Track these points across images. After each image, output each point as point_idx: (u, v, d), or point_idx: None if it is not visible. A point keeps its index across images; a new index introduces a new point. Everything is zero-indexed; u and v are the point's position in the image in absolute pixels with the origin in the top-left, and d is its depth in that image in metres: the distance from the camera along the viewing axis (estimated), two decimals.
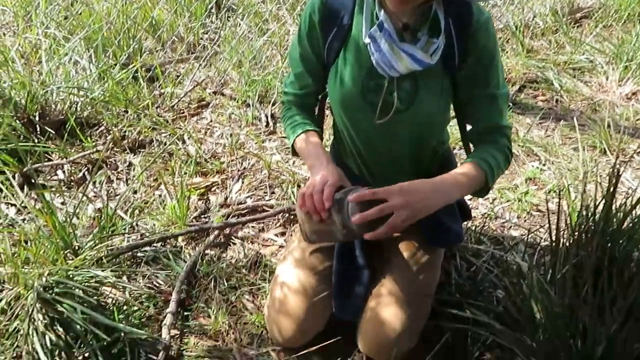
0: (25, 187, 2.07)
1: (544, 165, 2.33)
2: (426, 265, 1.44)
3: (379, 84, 1.25)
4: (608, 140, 2.40)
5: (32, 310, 1.36)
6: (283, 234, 1.92)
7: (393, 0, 1.14)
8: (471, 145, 1.39)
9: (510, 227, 1.97)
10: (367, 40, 1.19)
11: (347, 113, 1.32)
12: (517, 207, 2.05)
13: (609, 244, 1.40)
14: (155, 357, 1.42)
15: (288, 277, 1.45)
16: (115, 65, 2.68)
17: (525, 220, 2.01)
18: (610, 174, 1.48)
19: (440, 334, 1.46)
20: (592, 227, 1.49)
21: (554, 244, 1.48)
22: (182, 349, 1.49)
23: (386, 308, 1.37)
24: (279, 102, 2.68)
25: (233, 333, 1.53)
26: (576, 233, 1.50)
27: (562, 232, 1.49)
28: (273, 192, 2.11)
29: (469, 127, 1.36)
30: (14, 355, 1.37)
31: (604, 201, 1.45)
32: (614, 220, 1.44)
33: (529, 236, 1.81)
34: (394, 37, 1.17)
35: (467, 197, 2.10)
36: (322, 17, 1.27)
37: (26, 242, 1.72)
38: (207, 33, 3.40)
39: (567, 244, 1.49)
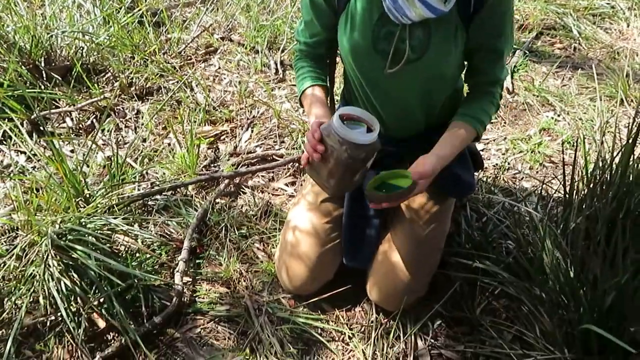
0: (34, 134, 2.06)
1: (558, 115, 2.28)
2: (437, 216, 1.43)
3: (390, 31, 1.19)
4: (627, 90, 2.33)
5: (47, 257, 1.38)
6: (293, 183, 1.91)
7: None
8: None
9: (523, 178, 1.95)
10: None
11: (358, 62, 1.27)
12: (530, 158, 2.02)
13: (625, 197, 1.38)
14: (168, 303, 1.45)
15: (301, 220, 1.45)
16: (120, 9, 2.61)
17: (537, 172, 1.98)
18: (629, 124, 1.44)
19: (450, 283, 1.47)
20: (608, 179, 1.47)
21: (567, 195, 1.46)
22: (194, 295, 1.52)
23: (396, 258, 1.37)
24: (288, 48, 2.61)
25: (244, 280, 1.55)
26: (591, 184, 1.48)
27: (576, 184, 1.47)
28: (283, 141, 2.09)
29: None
30: (31, 299, 1.40)
31: (621, 152, 1.42)
32: (631, 172, 1.41)
33: (542, 187, 1.79)
34: None
35: (479, 146, 2.08)
36: None
37: (37, 190, 1.73)
38: None
39: (581, 196, 1.48)
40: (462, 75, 1.38)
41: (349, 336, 1.41)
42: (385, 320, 1.44)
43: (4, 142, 2.01)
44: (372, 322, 1.43)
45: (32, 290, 1.39)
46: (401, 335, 1.39)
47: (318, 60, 1.43)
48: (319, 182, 1.25)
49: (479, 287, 1.46)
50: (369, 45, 1.21)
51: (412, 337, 1.38)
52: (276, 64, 2.52)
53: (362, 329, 1.42)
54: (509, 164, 2.00)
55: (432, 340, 1.39)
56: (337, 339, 1.41)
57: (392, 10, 1.14)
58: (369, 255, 1.43)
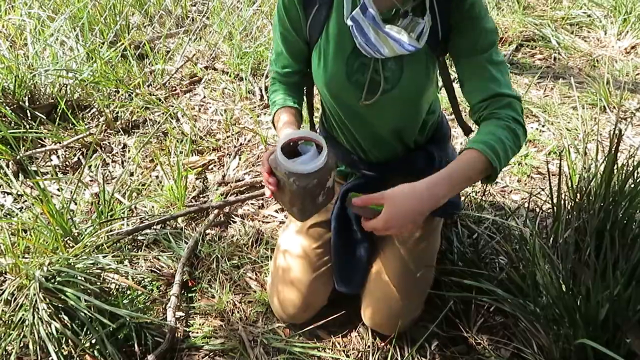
0: (20, 174, 2.05)
1: (543, 126, 2.30)
2: (425, 234, 1.43)
3: (363, 63, 1.19)
4: (608, 97, 2.36)
5: (36, 300, 1.37)
6: (282, 209, 1.91)
7: None
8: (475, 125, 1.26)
9: (511, 191, 1.96)
10: (349, 22, 1.13)
11: (333, 94, 1.28)
12: (518, 171, 2.03)
13: (611, 206, 1.39)
14: (161, 340, 1.43)
15: (291, 245, 1.45)
16: (103, 44, 2.62)
17: (525, 184, 1.99)
18: (611, 132, 1.46)
19: (444, 302, 1.47)
20: (594, 189, 1.48)
21: (555, 208, 1.47)
22: (188, 329, 1.50)
23: (388, 281, 1.37)
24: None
25: (238, 312, 1.54)
26: (577, 195, 1.49)
27: (563, 195, 1.48)
28: None
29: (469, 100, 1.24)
30: (21, 345, 1.38)
31: (605, 161, 1.44)
32: (616, 181, 1.42)
33: (530, 200, 1.80)
34: (378, 21, 1.10)
35: None
36: None
37: (25, 232, 1.71)
38: (195, 5, 3.32)
39: (569, 207, 1.49)
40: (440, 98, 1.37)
41: None
42: (382, 344, 1.42)
43: None
44: (368, 347, 1.41)
45: (22, 335, 1.37)
46: (398, 358, 1.38)
47: (292, 85, 1.42)
48: (285, 209, 1.23)
49: (473, 305, 1.45)
50: (343, 78, 1.22)
51: (410, 359, 1.37)
52: (261, 90, 2.54)
53: (359, 355, 1.41)
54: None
55: None
56: None
57: (365, 46, 1.14)
58: (360, 279, 1.42)
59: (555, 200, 1.45)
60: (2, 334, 1.39)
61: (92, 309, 1.37)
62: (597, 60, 2.74)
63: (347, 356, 1.41)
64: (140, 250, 1.72)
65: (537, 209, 1.79)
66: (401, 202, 1.06)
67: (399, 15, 1.13)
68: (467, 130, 1.43)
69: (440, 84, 1.36)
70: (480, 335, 1.41)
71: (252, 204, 1.93)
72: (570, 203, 1.50)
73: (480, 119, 1.18)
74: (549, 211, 1.78)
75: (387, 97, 1.22)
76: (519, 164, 2.06)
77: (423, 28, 1.11)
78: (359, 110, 1.26)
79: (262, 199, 1.94)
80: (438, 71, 1.27)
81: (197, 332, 1.48)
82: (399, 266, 1.38)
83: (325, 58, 1.22)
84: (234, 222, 1.85)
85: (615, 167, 1.41)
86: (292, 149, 1.15)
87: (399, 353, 1.39)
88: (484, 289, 1.38)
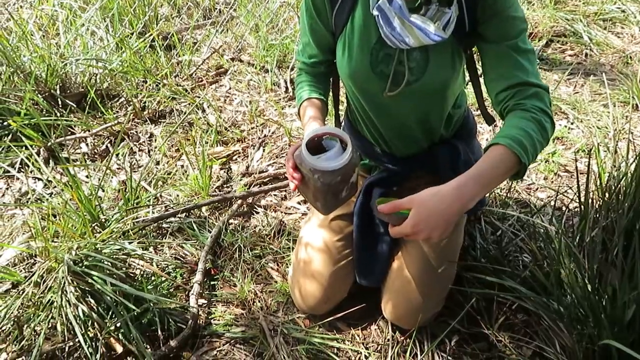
0: (51, 161, 2.10)
1: (572, 123, 2.25)
2: None
3: (388, 53, 1.19)
4: None
5: (64, 283, 1.40)
6: (305, 201, 1.91)
7: None
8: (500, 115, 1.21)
9: (537, 189, 1.93)
10: (375, 12, 1.13)
11: (357, 85, 1.28)
12: (544, 168, 2.00)
13: None
14: (184, 326, 1.46)
15: (313, 238, 1.45)
16: (132, 34, 2.66)
17: (552, 182, 1.96)
18: None
19: (466, 299, 1.46)
20: (624, 188, 1.44)
21: (582, 206, 1.44)
22: (209, 317, 1.52)
23: (409, 275, 1.36)
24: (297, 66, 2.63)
25: (259, 301, 1.56)
26: (606, 194, 1.46)
27: (591, 194, 1.45)
28: None
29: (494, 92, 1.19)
30: (49, 326, 1.42)
31: (636, 160, 1.40)
32: None
33: (557, 198, 1.77)
34: (404, 10, 1.10)
35: None
36: None
37: (55, 217, 1.76)
38: None
39: (597, 206, 1.46)
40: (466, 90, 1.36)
41: (365, 355, 1.40)
42: (402, 338, 1.42)
43: (22, 170, 2.06)
44: (388, 340, 1.41)
45: (50, 316, 1.41)
46: (418, 353, 1.38)
47: (318, 76, 1.43)
48: (309, 202, 1.26)
49: (495, 302, 1.44)
50: (368, 69, 1.21)
51: (430, 355, 1.37)
52: (286, 83, 2.54)
53: (379, 348, 1.41)
54: None
55: (450, 358, 1.37)
56: (353, 358, 1.40)
57: (390, 36, 1.13)
58: (381, 273, 1.42)
59: (582, 199, 1.42)
60: (32, 315, 1.43)
61: (117, 293, 1.40)
62: (630, 57, 2.67)
63: (367, 349, 1.41)
64: (165, 238, 1.75)
65: (564, 208, 1.75)
66: (429, 205, 1.02)
67: (425, 4, 1.11)
68: (490, 120, 1.41)
69: (467, 78, 1.34)
70: (501, 333, 1.39)
71: (275, 195, 1.95)
72: (598, 202, 1.47)
73: (505, 111, 1.13)
74: (576, 210, 1.75)
75: (412, 89, 1.21)
76: (546, 162, 2.02)
77: (450, 18, 1.10)
78: (383, 102, 1.26)
79: (285, 191, 1.95)
80: (465, 64, 1.25)
81: (219, 320, 1.51)
82: (420, 261, 1.37)
83: (350, 49, 1.22)
84: (257, 212, 1.87)
85: None
86: (317, 144, 1.16)
87: (418, 348, 1.38)
88: (506, 286, 1.36)
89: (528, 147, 1.03)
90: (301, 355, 1.39)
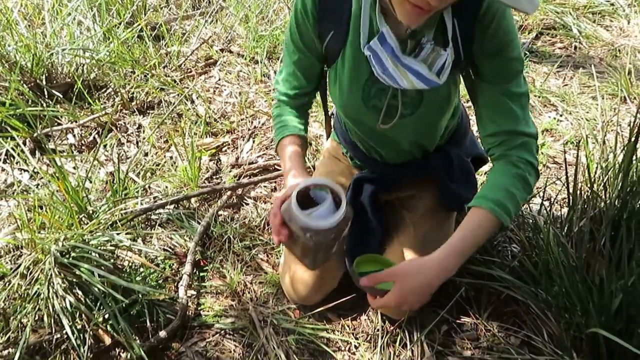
0: (37, 152, 2.07)
1: (561, 115, 2.27)
2: (439, 223, 1.42)
3: (381, 88, 1.14)
4: (629, 88, 2.32)
5: (51, 275, 1.39)
6: None
7: (406, 15, 0.92)
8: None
9: None
10: (366, 52, 1.07)
11: (349, 116, 1.26)
12: None
13: (629, 196, 1.37)
14: (173, 317, 1.45)
15: None
16: (120, 24, 2.63)
17: (541, 173, 1.96)
18: (631, 122, 1.43)
19: (455, 289, 1.46)
20: (612, 179, 1.46)
21: (571, 197, 1.45)
22: (199, 308, 1.51)
23: (403, 257, 1.36)
24: None
25: (249, 292, 1.55)
26: (594, 185, 1.47)
27: (579, 185, 1.46)
28: None
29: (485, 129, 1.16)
30: (36, 317, 1.40)
31: (624, 151, 1.41)
32: (635, 171, 1.40)
33: (545, 189, 1.77)
34: (397, 53, 1.04)
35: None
36: (318, 18, 1.12)
37: (41, 208, 1.74)
38: None
39: (585, 197, 1.47)
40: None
41: (355, 345, 1.40)
42: (391, 328, 1.42)
43: (7, 161, 2.03)
44: (378, 330, 1.42)
45: (37, 308, 1.39)
46: (407, 343, 1.38)
47: (300, 109, 1.34)
48: (296, 257, 1.15)
49: (485, 292, 1.45)
50: (360, 103, 1.18)
51: (419, 344, 1.37)
52: (276, 74, 2.53)
53: (368, 338, 1.41)
54: None
55: (439, 347, 1.37)
56: (343, 348, 1.40)
57: (383, 77, 1.08)
58: None
59: (571, 189, 1.43)
60: (18, 307, 1.42)
61: (105, 284, 1.39)
62: (619, 50, 2.68)
63: (356, 339, 1.41)
64: (154, 229, 1.73)
65: (552, 199, 1.76)
66: (413, 281, 1.04)
67: (419, 43, 1.05)
68: None
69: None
70: (490, 322, 1.40)
71: (264, 186, 1.94)
72: (586, 192, 1.48)
73: (492, 157, 1.15)
74: (564, 201, 1.76)
75: (406, 121, 1.18)
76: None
77: (445, 62, 1.04)
78: (375, 130, 1.23)
79: (275, 182, 1.95)
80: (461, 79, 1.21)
81: (208, 311, 1.50)
82: (411, 252, 1.37)
83: (341, 82, 1.18)
84: (247, 204, 1.86)
85: (635, 157, 1.39)
86: (304, 195, 1.05)
87: (407, 337, 1.39)
88: (495, 276, 1.37)
89: (511, 209, 1.06)
90: (291, 346, 1.39)
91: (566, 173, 1.48)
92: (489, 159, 1.18)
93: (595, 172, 1.52)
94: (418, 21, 0.93)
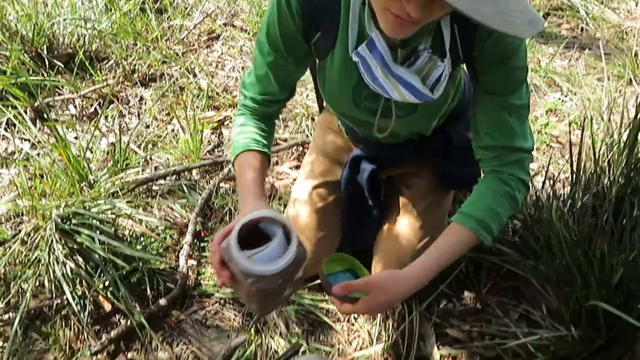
0: (38, 121, 2.06)
1: (565, 96, 2.25)
2: (438, 200, 1.40)
3: (373, 93, 1.05)
4: (635, 70, 2.29)
5: (52, 241, 1.39)
6: (297, 167, 1.90)
7: (389, 25, 0.81)
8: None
9: None
10: (355, 58, 0.97)
11: (340, 112, 1.21)
12: (537, 139, 1.99)
13: (632, 173, 1.36)
14: (173, 286, 1.45)
15: (302, 194, 1.42)
16: None
17: (544, 153, 1.96)
18: (637, 103, 1.42)
19: (455, 263, 1.45)
20: (616, 156, 1.45)
21: (574, 173, 1.44)
22: (199, 278, 1.51)
23: (400, 237, 1.36)
24: None
25: None
26: (599, 162, 1.46)
27: (583, 162, 1.45)
28: (287, 125, 2.08)
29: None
30: (37, 283, 1.41)
31: (629, 128, 1.40)
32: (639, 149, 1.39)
33: (549, 168, 1.77)
34: (387, 61, 0.94)
35: None
36: (303, 17, 1.00)
37: (42, 177, 1.73)
38: None
39: (589, 173, 1.46)
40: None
41: (354, 317, 1.40)
42: None
43: (8, 129, 2.01)
44: None
45: (37, 274, 1.40)
46: (406, 315, 1.38)
47: (265, 119, 1.18)
48: (242, 301, 1.04)
49: (485, 267, 1.45)
50: (351, 105, 1.11)
51: (418, 317, 1.38)
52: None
53: None
54: None
55: (438, 320, 1.38)
56: (342, 319, 1.41)
57: (373, 85, 1.00)
58: (370, 237, 1.41)
59: (575, 165, 1.42)
60: (19, 272, 1.42)
61: (106, 250, 1.39)
62: (625, 32, 2.65)
63: None
64: (155, 200, 1.73)
65: (555, 177, 1.76)
66: (388, 294, 0.99)
67: (415, 50, 0.96)
68: None
69: None
70: (489, 297, 1.40)
71: None
72: (590, 169, 1.47)
73: (484, 169, 1.09)
74: (567, 179, 1.76)
75: (402, 121, 1.13)
76: (538, 133, 2.02)
77: (441, 74, 0.97)
78: (370, 128, 1.18)
79: (277, 156, 1.94)
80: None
81: (209, 281, 1.50)
82: (409, 228, 1.36)
83: (331, 81, 1.09)
84: None
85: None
86: (252, 228, 0.88)
87: (406, 310, 1.39)
88: (495, 251, 1.37)
89: (494, 229, 1.02)
90: (290, 316, 1.39)
91: (570, 151, 1.47)
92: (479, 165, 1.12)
93: (600, 149, 1.52)
94: (403, 33, 0.82)
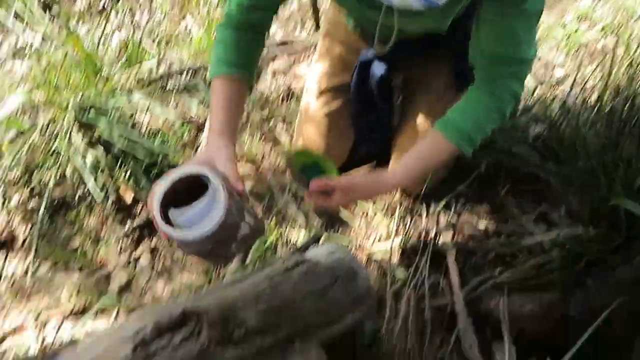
0: (47, 14, 1.98)
1: (596, 4, 2.13)
2: (452, 103, 1.35)
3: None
4: None
5: (70, 132, 1.38)
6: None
7: None
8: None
9: (555, 66, 1.86)
10: None
11: (342, 4, 1.13)
12: (565, 45, 1.92)
13: None
14: None
15: (310, 110, 1.37)
16: None
17: (571, 61, 1.89)
18: None
19: (475, 165, 1.45)
20: None
21: (605, 77, 1.39)
22: None
23: (419, 133, 1.32)
24: None
25: (267, 161, 1.55)
26: (632, 66, 1.41)
27: (615, 68, 1.40)
28: (304, 26, 2.00)
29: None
30: (58, 174, 1.42)
31: None
32: None
33: (577, 74, 1.71)
34: None
35: None
36: None
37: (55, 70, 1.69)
38: None
39: (620, 78, 1.41)
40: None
41: (372, 213, 1.42)
42: (409, 200, 1.44)
43: (17, 21, 1.94)
44: (395, 201, 1.43)
45: (58, 164, 1.40)
46: (424, 213, 1.40)
47: (252, 30, 1.03)
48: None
49: (504, 169, 1.44)
50: (354, 2, 1.04)
51: (435, 215, 1.39)
52: None
53: (386, 207, 1.43)
54: (541, 53, 1.90)
55: (456, 217, 1.39)
56: (360, 215, 1.42)
57: None
58: (381, 143, 1.37)
59: (607, 67, 1.37)
60: (40, 162, 1.42)
61: (125, 144, 1.38)
62: None
63: (374, 206, 1.43)
64: (171, 95, 1.70)
65: (583, 85, 1.70)
66: (365, 190, 1.02)
67: None
68: None
69: None
70: (508, 198, 1.41)
71: (283, 59, 1.87)
72: (623, 74, 1.42)
73: (477, 74, 1.02)
74: (595, 87, 1.70)
75: (407, 19, 1.01)
76: (567, 38, 1.94)
77: None
78: (377, 20, 1.06)
79: (294, 56, 1.88)
80: None
81: None
82: (426, 121, 1.31)
83: None
84: (265, 78, 1.81)
85: None
86: (192, 181, 0.76)
87: (425, 208, 1.40)
88: (515, 154, 1.36)
89: (477, 142, 0.99)
90: (309, 210, 1.41)
91: (603, 54, 1.41)
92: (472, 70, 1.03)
93: (634, 54, 1.45)
94: None
